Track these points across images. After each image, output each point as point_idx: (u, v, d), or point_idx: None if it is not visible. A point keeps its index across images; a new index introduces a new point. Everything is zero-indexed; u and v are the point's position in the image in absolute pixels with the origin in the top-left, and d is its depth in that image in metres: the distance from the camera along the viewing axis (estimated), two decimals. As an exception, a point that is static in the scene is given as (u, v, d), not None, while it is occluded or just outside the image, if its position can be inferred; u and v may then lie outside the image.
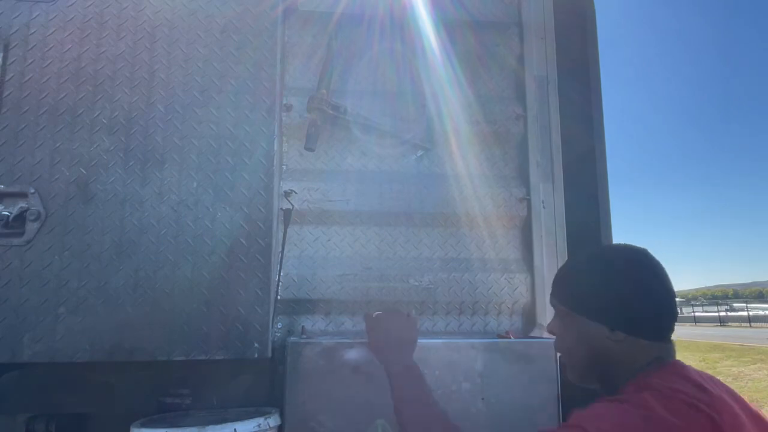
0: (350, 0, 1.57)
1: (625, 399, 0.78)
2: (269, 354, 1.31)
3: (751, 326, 29.73)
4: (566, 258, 1.61)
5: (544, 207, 1.65)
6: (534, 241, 1.63)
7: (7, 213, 1.27)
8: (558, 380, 1.40)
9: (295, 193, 1.57)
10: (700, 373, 0.86)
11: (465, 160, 1.61)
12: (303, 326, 1.52)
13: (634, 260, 0.93)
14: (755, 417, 0.80)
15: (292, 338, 1.42)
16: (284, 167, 1.62)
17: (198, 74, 1.41)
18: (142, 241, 1.31)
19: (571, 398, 1.43)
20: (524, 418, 1.37)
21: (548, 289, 1.57)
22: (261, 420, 1.24)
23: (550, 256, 1.62)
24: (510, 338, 1.45)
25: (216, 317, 1.29)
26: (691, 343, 17.47)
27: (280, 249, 1.53)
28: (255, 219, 1.34)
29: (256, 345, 1.29)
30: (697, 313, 43.88)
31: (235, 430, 1.19)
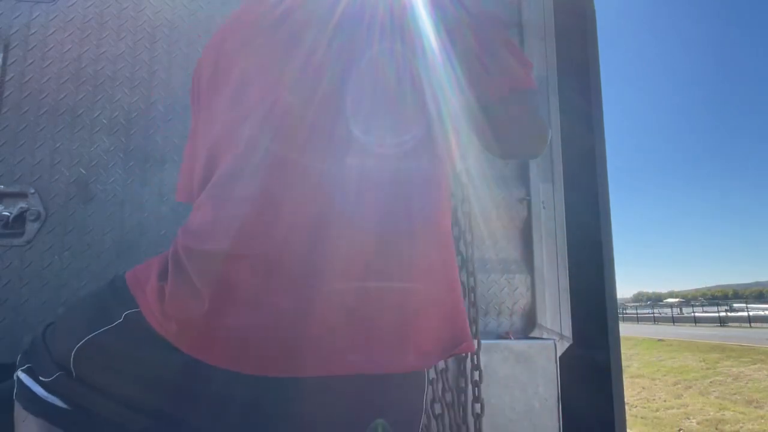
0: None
1: None
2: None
3: (751, 327, 29.76)
4: (566, 259, 1.61)
5: (544, 207, 1.65)
6: (534, 242, 1.63)
7: (7, 213, 1.27)
8: (558, 381, 1.40)
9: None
10: None
11: (465, 160, 1.61)
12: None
13: None
14: None
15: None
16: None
17: (198, 74, 1.41)
18: (142, 242, 1.31)
19: (571, 399, 1.43)
20: (525, 419, 1.37)
21: (548, 290, 1.58)
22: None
23: (550, 257, 1.62)
24: (510, 338, 1.45)
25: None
26: (691, 344, 17.48)
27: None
28: (255, 219, 1.35)
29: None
30: (696, 314, 43.92)
31: None
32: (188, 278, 0.71)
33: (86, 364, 0.73)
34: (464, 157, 1.68)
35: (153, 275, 0.76)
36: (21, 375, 0.77)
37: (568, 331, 1.54)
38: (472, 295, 1.51)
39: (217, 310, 0.69)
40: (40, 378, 0.74)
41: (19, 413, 0.75)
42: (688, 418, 7.36)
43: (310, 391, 0.69)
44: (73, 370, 0.73)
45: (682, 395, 9.06)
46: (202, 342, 0.69)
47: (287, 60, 0.81)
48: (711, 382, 9.74)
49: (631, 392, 9.30)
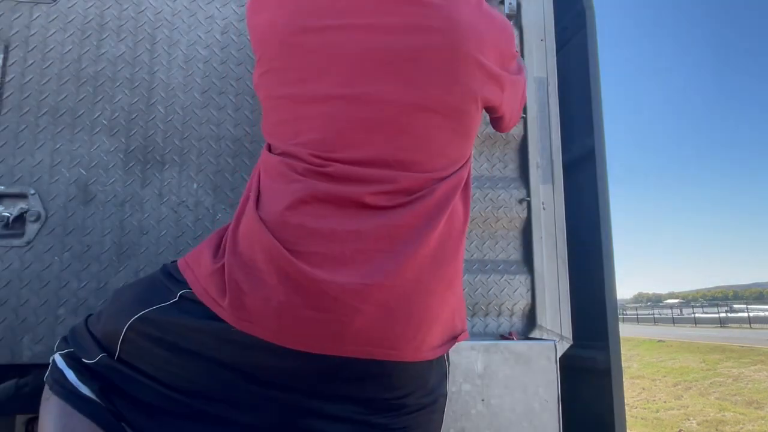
0: None
1: None
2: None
3: (751, 327, 29.75)
4: (566, 259, 1.61)
5: (544, 208, 1.65)
6: (534, 243, 1.63)
7: (7, 214, 1.27)
8: (558, 381, 1.40)
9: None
10: None
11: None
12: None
13: None
14: None
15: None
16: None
17: (198, 75, 1.41)
18: (143, 243, 1.31)
19: (571, 400, 1.43)
20: (524, 420, 1.37)
21: (548, 291, 1.58)
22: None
23: (550, 258, 1.62)
24: (513, 339, 1.45)
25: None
26: (692, 345, 17.48)
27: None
28: (255, 220, 1.35)
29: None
30: (697, 315, 43.92)
31: None
32: (239, 257, 0.76)
33: (136, 340, 0.76)
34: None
35: (205, 257, 0.80)
36: (57, 358, 0.81)
37: (568, 332, 1.54)
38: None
39: (258, 285, 0.73)
40: (83, 360, 0.77)
41: (46, 394, 0.79)
42: (689, 419, 7.35)
43: (344, 370, 0.73)
44: (119, 348, 0.76)
45: (682, 396, 9.06)
46: (249, 315, 0.72)
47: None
48: (711, 383, 9.74)
49: (632, 393, 9.31)
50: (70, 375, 0.76)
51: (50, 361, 0.82)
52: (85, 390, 0.74)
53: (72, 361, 0.79)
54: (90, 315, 0.88)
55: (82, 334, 0.82)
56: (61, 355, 0.81)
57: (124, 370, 0.75)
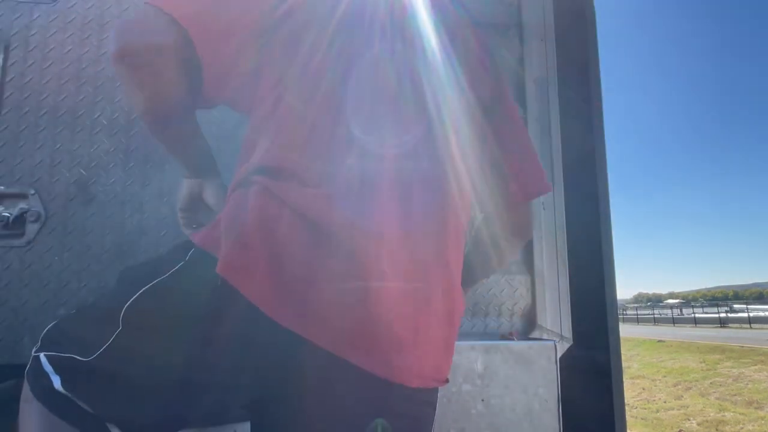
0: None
1: None
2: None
3: (751, 327, 29.75)
4: (566, 259, 1.61)
5: (544, 208, 1.65)
6: (534, 243, 1.63)
7: (7, 214, 1.27)
8: (558, 382, 1.40)
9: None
10: None
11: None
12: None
13: None
14: None
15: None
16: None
17: (198, 75, 1.41)
18: (143, 243, 1.31)
19: (571, 400, 1.43)
20: (525, 420, 1.37)
21: (548, 291, 1.57)
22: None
23: (551, 258, 1.62)
24: (514, 339, 1.45)
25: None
26: (692, 345, 17.48)
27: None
28: (255, 220, 1.34)
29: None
30: (697, 315, 43.91)
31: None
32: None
33: (138, 316, 0.72)
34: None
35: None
36: (42, 359, 0.74)
37: (568, 332, 1.54)
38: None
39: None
40: (77, 357, 0.72)
41: (26, 395, 0.74)
42: (689, 419, 7.36)
43: (321, 361, 0.69)
44: (120, 328, 0.71)
45: (682, 396, 9.06)
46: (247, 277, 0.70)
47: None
48: (711, 383, 9.75)
49: (632, 393, 9.31)
50: (57, 381, 0.71)
51: (32, 356, 0.76)
52: (71, 396, 0.70)
53: (60, 363, 0.73)
54: (83, 308, 0.83)
55: (74, 329, 0.77)
56: (47, 356, 0.74)
57: (121, 358, 0.71)
